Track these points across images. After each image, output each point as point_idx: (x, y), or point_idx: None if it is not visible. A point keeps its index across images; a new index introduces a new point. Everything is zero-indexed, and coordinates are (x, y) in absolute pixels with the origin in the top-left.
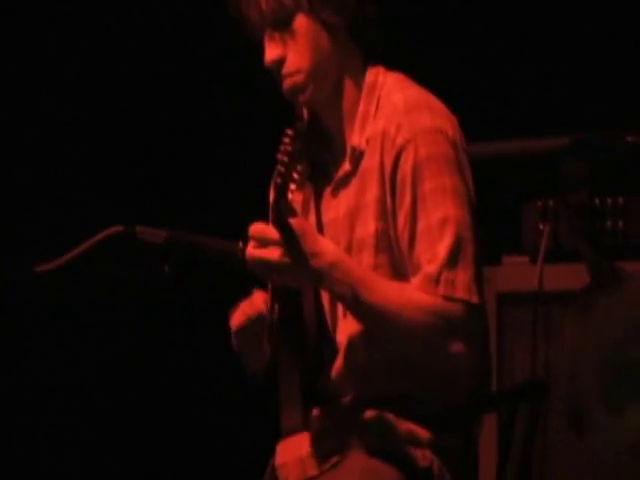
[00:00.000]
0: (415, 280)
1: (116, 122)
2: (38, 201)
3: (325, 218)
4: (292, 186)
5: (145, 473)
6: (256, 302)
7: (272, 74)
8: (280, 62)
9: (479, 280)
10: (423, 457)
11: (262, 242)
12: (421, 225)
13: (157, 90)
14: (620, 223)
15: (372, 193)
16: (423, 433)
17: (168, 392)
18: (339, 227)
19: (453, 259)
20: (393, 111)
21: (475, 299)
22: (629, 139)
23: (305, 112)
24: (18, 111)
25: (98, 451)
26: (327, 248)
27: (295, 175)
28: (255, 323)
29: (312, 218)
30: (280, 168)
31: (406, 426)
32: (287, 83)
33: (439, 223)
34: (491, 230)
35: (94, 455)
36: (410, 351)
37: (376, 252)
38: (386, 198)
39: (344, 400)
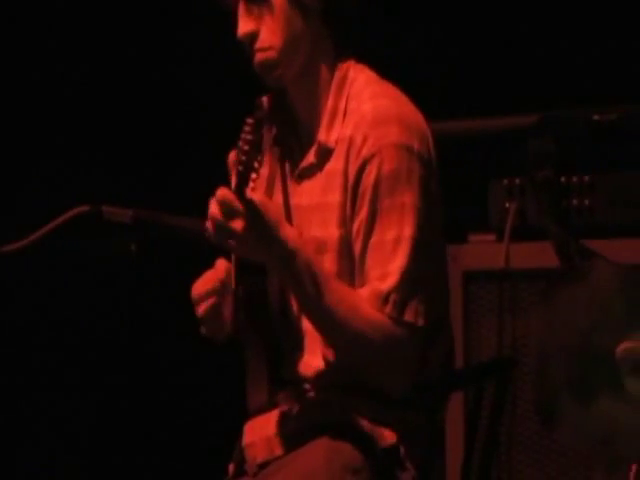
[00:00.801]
0: (364, 292)
1: (85, 102)
2: (2, 181)
3: (291, 202)
4: (253, 175)
5: (106, 448)
6: (219, 270)
7: (244, 46)
8: (253, 36)
9: (431, 298)
10: (388, 436)
11: (227, 210)
12: (374, 239)
13: (122, 69)
14: (586, 201)
15: (335, 197)
16: (388, 412)
17: (134, 371)
18: (302, 217)
19: (404, 281)
20: (362, 121)
21: (421, 322)
22: (596, 117)
23: (265, 101)
24: None
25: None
26: (290, 235)
27: (256, 164)
28: (218, 290)
29: (278, 197)
30: (241, 157)
31: (371, 405)
32: (259, 57)
33: (393, 241)
34: (457, 208)
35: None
36: (350, 357)
37: (339, 258)
38: (347, 205)
39: (310, 381)
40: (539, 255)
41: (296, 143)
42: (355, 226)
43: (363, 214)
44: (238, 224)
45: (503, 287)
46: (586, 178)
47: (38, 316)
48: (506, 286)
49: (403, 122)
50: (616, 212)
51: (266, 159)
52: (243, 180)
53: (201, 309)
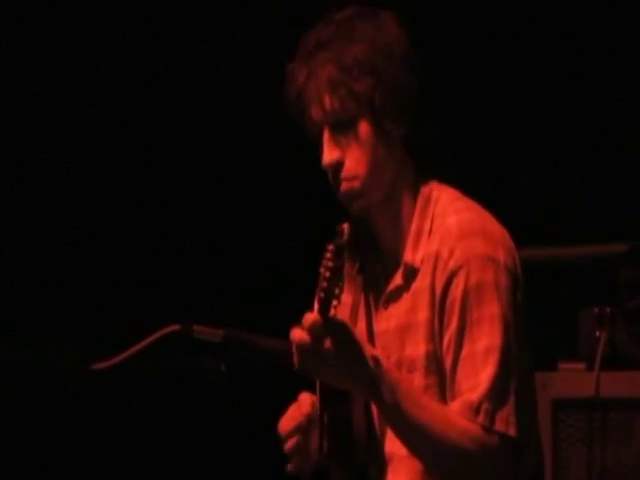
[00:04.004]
0: (455, 405)
1: (178, 223)
2: (92, 298)
3: (376, 329)
4: (334, 302)
5: None
6: (304, 405)
7: (327, 174)
8: (338, 165)
9: (521, 409)
10: None
11: (316, 333)
12: (465, 351)
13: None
14: None
15: (423, 314)
16: None
17: None
18: (390, 341)
19: (495, 390)
20: (447, 235)
21: (512, 432)
22: None
23: (346, 228)
24: (65, 203)
25: None
26: (376, 357)
27: (337, 291)
28: (303, 427)
29: (362, 325)
30: (322, 283)
31: None
32: (344, 187)
33: (484, 352)
34: (547, 336)
35: None
36: (446, 470)
37: (427, 374)
38: (434, 320)
39: None
40: (630, 385)
41: (381, 269)
42: (445, 340)
43: (453, 327)
44: (327, 345)
45: (593, 416)
46: None
47: (127, 433)
48: (596, 415)
49: (488, 234)
50: None
51: (349, 287)
52: (325, 306)
53: (288, 446)
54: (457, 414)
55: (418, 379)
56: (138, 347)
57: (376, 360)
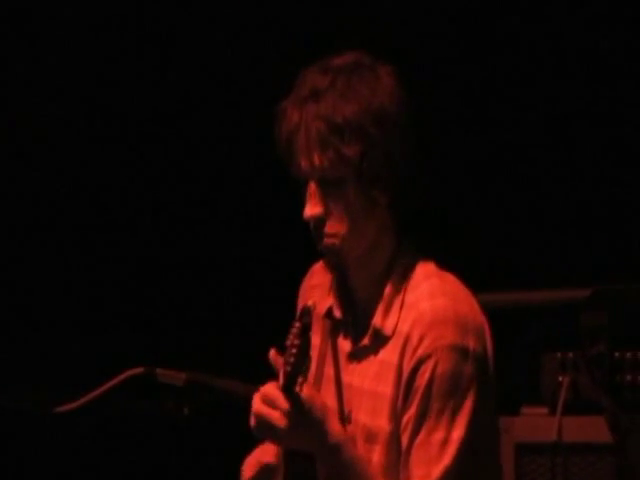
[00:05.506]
0: None
1: (138, 264)
2: (53, 340)
3: (342, 378)
4: (300, 379)
5: None
6: (269, 449)
7: (307, 225)
8: (319, 220)
9: None
10: None
11: (271, 406)
12: (422, 438)
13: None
14: None
15: (387, 389)
16: None
17: None
18: (353, 397)
19: None
20: (419, 319)
21: None
22: None
23: (312, 307)
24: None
25: None
26: (334, 431)
27: (303, 368)
28: (267, 471)
29: (329, 372)
30: (289, 358)
31: None
32: (325, 243)
33: (440, 443)
34: (510, 380)
35: None
36: None
37: (388, 452)
38: (398, 400)
39: None
40: (591, 429)
41: (350, 319)
42: (404, 420)
43: (412, 411)
44: (281, 421)
45: (555, 461)
46: None
47: (89, 477)
48: (558, 460)
49: (459, 322)
50: None
51: (317, 328)
52: (291, 381)
53: None
54: None
55: (379, 454)
56: (101, 390)
57: (334, 435)
